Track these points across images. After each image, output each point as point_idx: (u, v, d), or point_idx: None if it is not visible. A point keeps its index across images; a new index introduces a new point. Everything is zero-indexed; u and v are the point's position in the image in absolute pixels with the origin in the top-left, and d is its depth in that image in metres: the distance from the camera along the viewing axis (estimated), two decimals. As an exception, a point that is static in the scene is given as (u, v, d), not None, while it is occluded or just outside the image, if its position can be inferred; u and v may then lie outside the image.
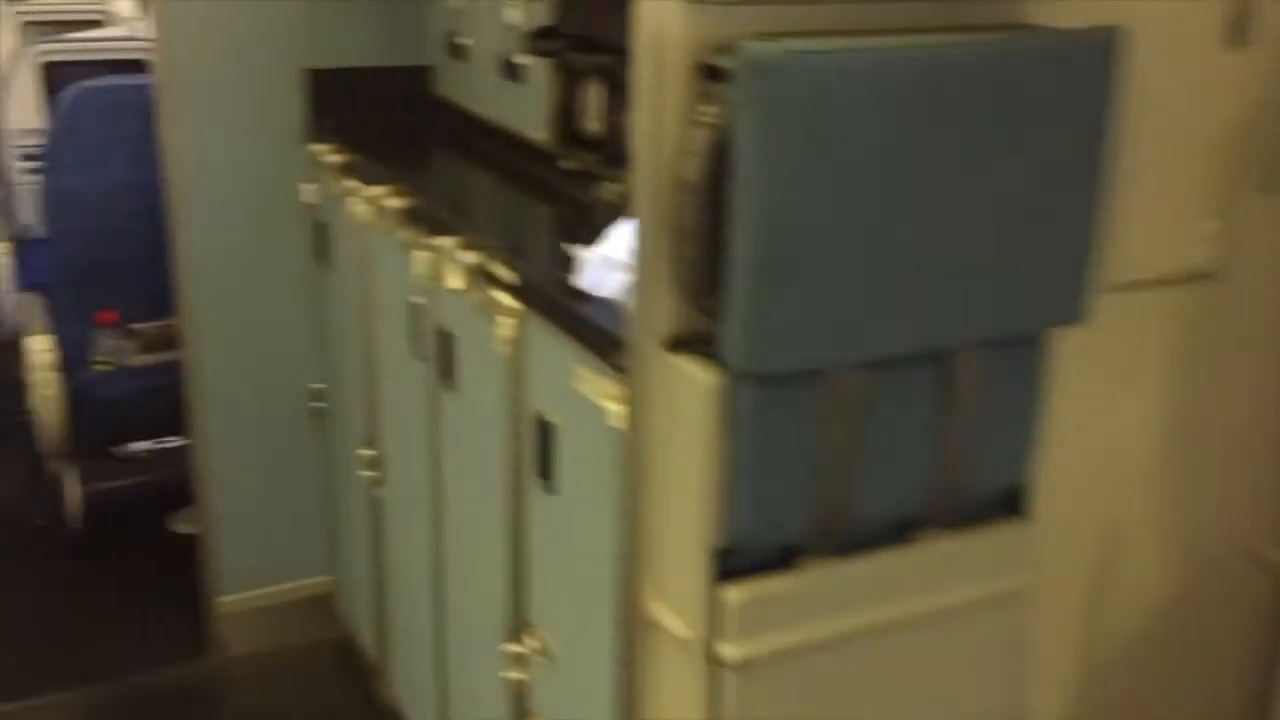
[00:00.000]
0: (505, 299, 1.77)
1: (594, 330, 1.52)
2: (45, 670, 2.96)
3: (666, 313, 1.38)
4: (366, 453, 2.51)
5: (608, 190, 2.04)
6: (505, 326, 1.76)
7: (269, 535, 2.97)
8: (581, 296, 1.58)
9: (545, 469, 1.70)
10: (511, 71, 2.35)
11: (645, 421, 1.42)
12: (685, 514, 1.41)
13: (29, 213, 3.61)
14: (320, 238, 2.71)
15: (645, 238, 1.37)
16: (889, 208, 1.31)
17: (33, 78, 3.54)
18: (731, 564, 1.41)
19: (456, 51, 2.61)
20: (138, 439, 3.28)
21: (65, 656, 3.02)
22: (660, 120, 1.33)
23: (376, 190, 2.24)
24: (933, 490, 1.48)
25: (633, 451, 1.44)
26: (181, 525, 3.46)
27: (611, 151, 2.06)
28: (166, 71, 2.63)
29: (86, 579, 3.32)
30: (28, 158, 3.58)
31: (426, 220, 2.08)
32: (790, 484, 1.38)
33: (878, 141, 1.28)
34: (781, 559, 1.43)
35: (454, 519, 2.14)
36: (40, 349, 2.96)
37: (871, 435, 1.40)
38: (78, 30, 4.12)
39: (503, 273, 1.78)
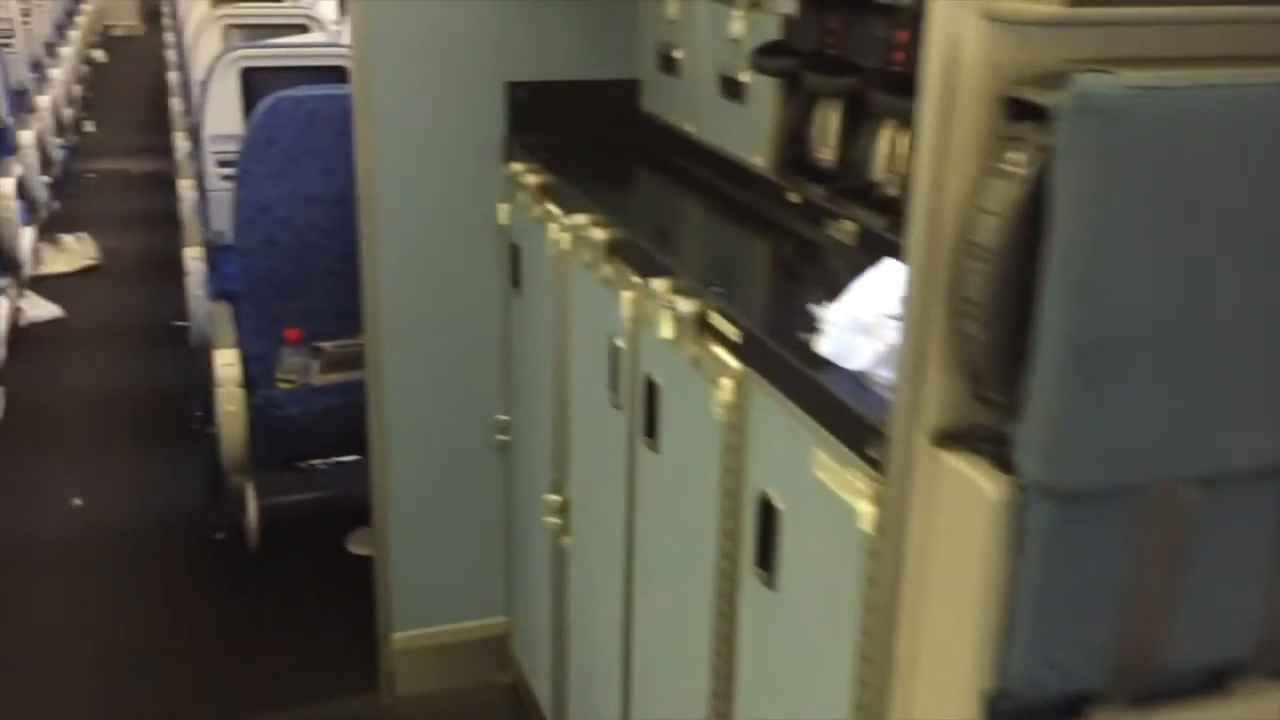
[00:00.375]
0: (725, 357, 1.54)
1: (840, 410, 1.27)
2: (208, 692, 2.88)
3: (939, 400, 1.13)
4: (553, 498, 2.32)
5: (840, 230, 1.79)
6: (725, 389, 1.53)
7: (445, 570, 2.82)
8: (823, 365, 1.34)
9: (765, 558, 1.47)
10: (731, 89, 2.13)
11: (904, 529, 1.16)
12: (949, 645, 1.15)
13: (223, 219, 3.57)
14: (514, 261, 2.54)
15: (917, 307, 1.12)
16: (1245, 286, 1.02)
17: (232, 83, 3.47)
18: (1003, 708, 1.14)
19: (668, 65, 2.40)
20: (318, 457, 3.19)
21: (231, 678, 2.94)
22: (946, 165, 1.08)
23: (578, 219, 2.04)
24: (1263, 633, 1.18)
25: (885, 562, 1.19)
26: (358, 546, 3.37)
27: (846, 185, 1.82)
28: (363, 81, 2.50)
29: (260, 597, 3.25)
30: (224, 164, 3.55)
31: (634, 256, 1.87)
32: (1087, 619, 1.11)
33: (1237, 202, 1.00)
34: (1068, 708, 1.16)
35: (649, 588, 1.92)
36: (226, 363, 2.88)
37: (1194, 565, 1.12)
38: (282, 35, 4.11)
39: (724, 326, 1.55)
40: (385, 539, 2.76)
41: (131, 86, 10.42)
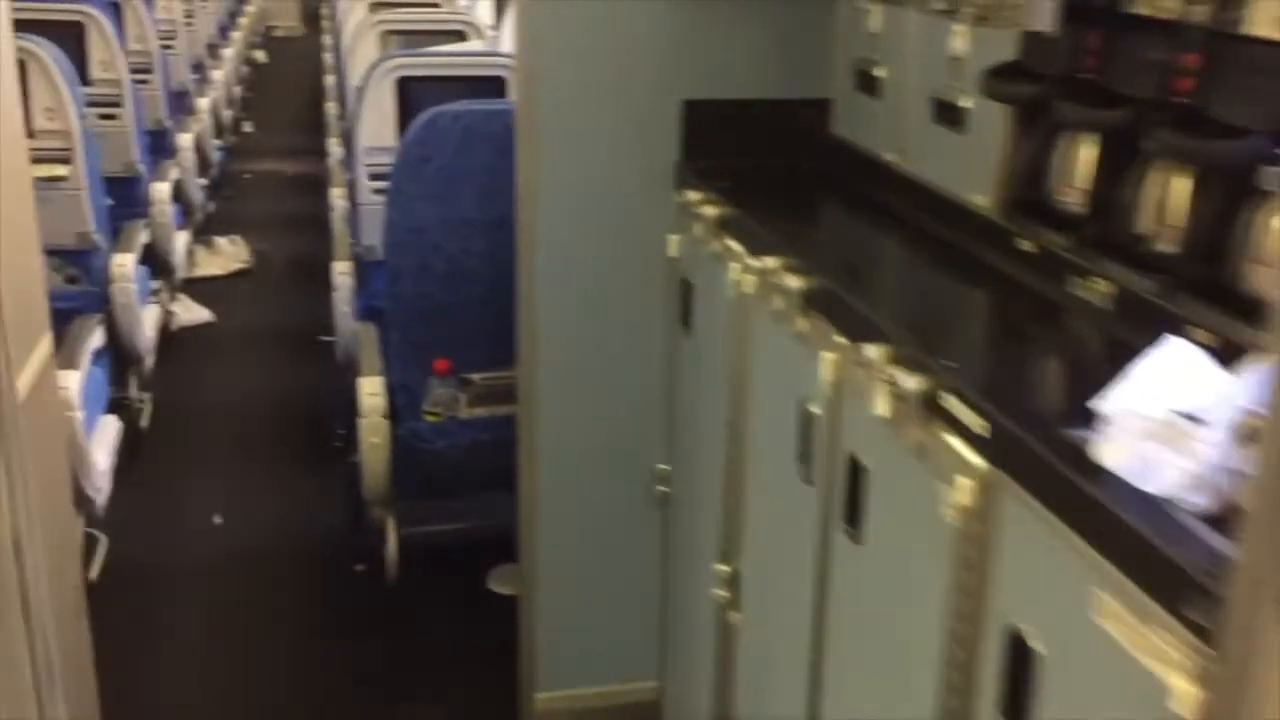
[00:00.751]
0: (963, 450, 1.26)
1: (1144, 550, 0.99)
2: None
3: (1304, 563, 0.84)
4: (722, 569, 2.07)
5: (1089, 288, 1.50)
6: (961, 489, 1.25)
7: (594, 625, 2.60)
8: (1109, 481, 1.06)
9: (1015, 710, 1.19)
10: (948, 115, 1.85)
11: (1241, 724, 0.88)
12: None
13: (373, 233, 3.42)
14: (685, 298, 2.29)
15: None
16: None
17: (388, 93, 3.33)
18: None
19: (868, 84, 2.13)
20: (462, 493, 3.01)
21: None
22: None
23: (767, 262, 1.79)
24: None
25: (1206, 762, 0.90)
26: (499, 584, 3.18)
27: (1098, 236, 1.52)
28: (526, 95, 2.30)
29: (398, 635, 3.08)
30: (376, 176, 3.40)
31: (836, 311, 1.61)
32: None
33: None
34: None
35: (842, 696, 1.65)
36: (371, 392, 2.71)
37: None
38: (439, 41, 3.97)
39: (961, 411, 1.28)
40: (532, 588, 2.56)
41: (290, 87, 10.56)
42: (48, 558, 1.73)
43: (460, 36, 4.13)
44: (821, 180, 2.25)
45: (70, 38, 4.11)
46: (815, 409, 1.65)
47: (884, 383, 1.40)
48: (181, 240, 4.84)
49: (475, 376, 2.68)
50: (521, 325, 2.44)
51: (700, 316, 2.22)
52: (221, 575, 3.34)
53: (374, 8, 4.97)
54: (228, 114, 7.54)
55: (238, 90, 8.49)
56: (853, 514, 1.55)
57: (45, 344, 2.21)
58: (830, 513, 1.63)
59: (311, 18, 13.32)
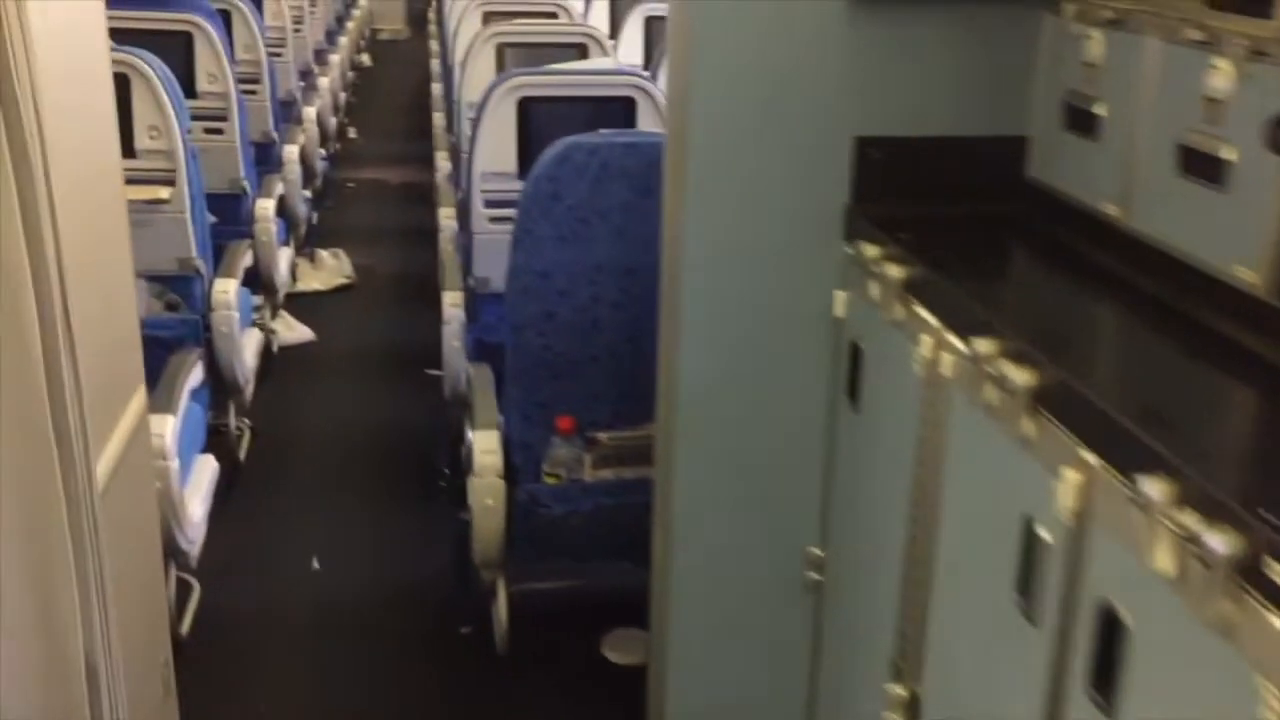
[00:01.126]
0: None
1: None
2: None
3: None
4: (897, 691, 1.77)
5: None
6: (1301, 697, 0.94)
7: (729, 716, 2.31)
8: None
9: None
10: (1201, 167, 1.52)
11: None
12: None
13: (488, 265, 3.18)
14: (853, 367, 1.99)
15: None
16: None
17: (509, 115, 3.07)
18: None
19: (1082, 122, 1.81)
20: (582, 560, 2.74)
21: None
22: None
23: (980, 346, 1.48)
24: None
25: None
26: (615, 652, 2.91)
27: None
28: (676, 128, 2.02)
29: (506, 701, 2.82)
30: (493, 204, 3.15)
31: (1077, 418, 1.30)
32: None
33: None
34: None
35: None
36: (486, 449, 2.45)
37: None
38: (559, 55, 3.71)
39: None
40: (662, 668, 2.29)
41: (395, 91, 10.44)
42: (130, 667, 1.49)
43: (581, 50, 3.87)
44: (1018, 231, 1.93)
45: (177, 48, 3.94)
46: (1047, 535, 1.34)
47: (1173, 533, 1.08)
48: (285, 257, 4.65)
49: (602, 436, 2.41)
50: (661, 383, 2.16)
51: (873, 390, 1.92)
52: (318, 629, 3.11)
53: (488, 18, 4.70)
54: (333, 121, 7.40)
55: (343, 96, 8.36)
56: (1104, 679, 1.23)
57: (136, 403, 2.00)
58: (1066, 667, 1.31)
59: (417, 19, 13.25)
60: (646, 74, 3.40)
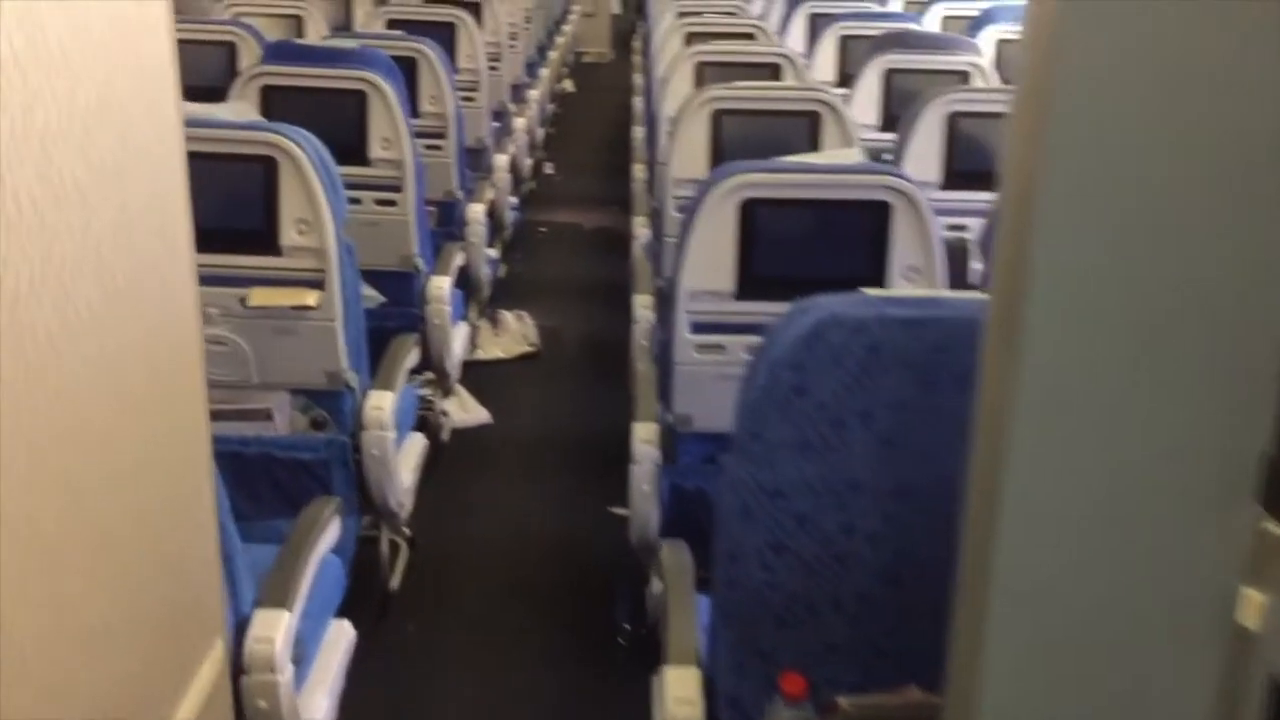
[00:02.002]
0: None
1: None
2: None
3: None
4: None
5: None
6: None
7: None
8: None
9: None
10: None
11: None
12: None
13: (691, 401, 2.56)
14: (1271, 706, 1.25)
15: None
16: None
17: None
18: None
19: None
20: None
21: None
22: None
23: None
24: None
25: None
26: None
27: None
28: (1005, 290, 1.32)
29: None
30: (702, 327, 2.52)
31: None
32: None
33: None
34: None
35: None
36: (683, 698, 1.80)
37: None
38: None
39: None
40: None
41: (596, 120, 9.96)
42: None
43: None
44: None
45: (348, 110, 3.48)
46: None
47: None
48: (461, 335, 4.14)
49: (844, 702, 1.73)
50: (955, 650, 1.47)
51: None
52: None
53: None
54: (528, 163, 6.94)
55: (540, 133, 7.90)
56: None
57: (215, 655, 1.45)
58: None
59: (622, 41, 12.86)
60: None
